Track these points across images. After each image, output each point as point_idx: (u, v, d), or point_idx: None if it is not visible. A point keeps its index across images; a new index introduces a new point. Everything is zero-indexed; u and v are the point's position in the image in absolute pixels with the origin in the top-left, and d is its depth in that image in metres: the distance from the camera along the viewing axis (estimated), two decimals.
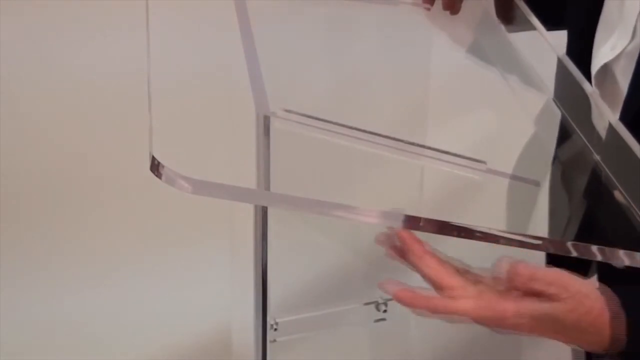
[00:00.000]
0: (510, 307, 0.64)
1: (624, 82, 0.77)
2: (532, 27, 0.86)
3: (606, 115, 0.75)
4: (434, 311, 0.66)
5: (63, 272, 1.42)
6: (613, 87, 0.78)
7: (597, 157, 0.76)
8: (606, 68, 0.79)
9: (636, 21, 0.75)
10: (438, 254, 0.70)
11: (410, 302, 0.67)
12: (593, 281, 0.69)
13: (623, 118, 0.74)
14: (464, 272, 0.69)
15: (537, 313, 0.64)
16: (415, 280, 0.70)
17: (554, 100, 0.84)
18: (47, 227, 1.43)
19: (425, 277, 0.69)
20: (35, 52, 1.40)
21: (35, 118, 1.42)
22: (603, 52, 0.79)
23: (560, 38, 0.86)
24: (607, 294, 0.65)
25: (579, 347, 0.67)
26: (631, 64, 0.75)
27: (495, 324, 0.65)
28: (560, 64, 0.82)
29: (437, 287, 0.68)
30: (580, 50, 0.82)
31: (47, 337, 1.38)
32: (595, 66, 0.80)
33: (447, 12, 0.91)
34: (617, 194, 0.71)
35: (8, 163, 1.39)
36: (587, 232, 0.74)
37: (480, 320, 0.65)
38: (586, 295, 0.64)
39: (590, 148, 0.78)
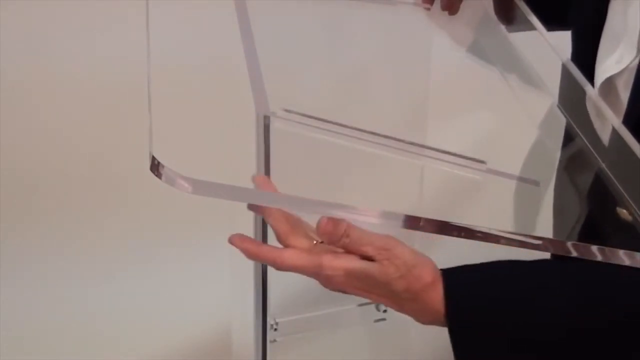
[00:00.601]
0: (327, 258, 0.66)
1: (625, 95, 0.76)
2: (533, 28, 0.86)
3: (609, 118, 0.75)
4: (261, 256, 0.68)
5: (63, 273, 1.42)
6: (616, 100, 0.77)
7: (601, 161, 0.76)
8: (610, 81, 0.78)
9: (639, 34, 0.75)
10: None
11: (239, 244, 0.68)
12: None
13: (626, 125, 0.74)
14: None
15: (351, 268, 0.66)
16: None
17: (558, 107, 0.84)
18: (47, 227, 1.42)
19: (271, 226, 0.71)
20: (34, 51, 1.40)
21: (36, 117, 1.42)
22: (608, 65, 0.78)
23: (560, 38, 0.86)
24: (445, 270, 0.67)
25: (418, 320, 0.69)
26: (633, 77, 0.75)
27: (312, 272, 0.67)
28: (565, 69, 0.81)
29: (277, 237, 0.70)
30: (585, 55, 0.81)
31: (47, 337, 1.38)
32: (600, 78, 0.79)
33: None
34: (619, 196, 0.71)
35: (9, 162, 1.39)
36: (591, 234, 0.74)
37: (299, 269, 0.67)
38: (413, 265, 0.66)
39: (594, 152, 0.78)
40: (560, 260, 0.65)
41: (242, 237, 0.68)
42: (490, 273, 0.68)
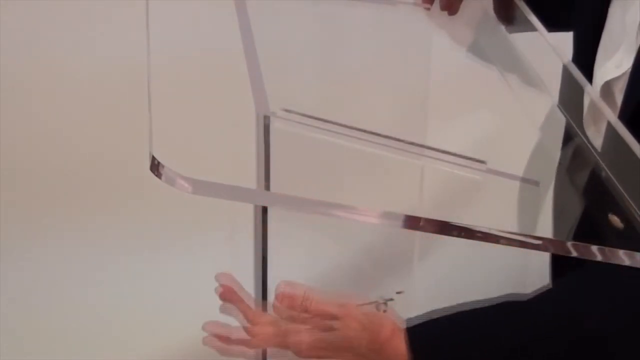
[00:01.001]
0: (291, 326, 0.69)
1: (620, 99, 0.75)
2: (533, 28, 0.85)
3: (608, 117, 0.74)
4: (233, 337, 0.72)
5: (63, 272, 1.41)
6: (613, 104, 0.77)
7: (601, 161, 0.76)
8: (608, 85, 0.77)
9: (637, 38, 0.74)
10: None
11: (210, 329, 0.73)
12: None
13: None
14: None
15: (312, 340, 0.68)
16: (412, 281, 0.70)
17: (558, 107, 0.83)
18: (47, 226, 1.42)
19: (240, 313, 0.74)
20: (34, 51, 1.40)
21: (36, 117, 1.42)
22: (607, 68, 0.77)
23: (561, 38, 0.86)
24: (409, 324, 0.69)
25: None
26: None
27: (280, 343, 0.69)
28: (565, 70, 0.81)
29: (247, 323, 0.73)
30: (586, 57, 0.80)
31: (47, 337, 1.38)
32: (599, 81, 0.78)
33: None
34: (619, 196, 0.71)
35: (9, 162, 1.39)
36: (590, 234, 0.74)
37: (267, 342, 0.70)
38: (373, 314, 0.69)
39: (594, 153, 0.78)
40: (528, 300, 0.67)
41: (214, 323, 0.73)
42: (450, 316, 0.69)
